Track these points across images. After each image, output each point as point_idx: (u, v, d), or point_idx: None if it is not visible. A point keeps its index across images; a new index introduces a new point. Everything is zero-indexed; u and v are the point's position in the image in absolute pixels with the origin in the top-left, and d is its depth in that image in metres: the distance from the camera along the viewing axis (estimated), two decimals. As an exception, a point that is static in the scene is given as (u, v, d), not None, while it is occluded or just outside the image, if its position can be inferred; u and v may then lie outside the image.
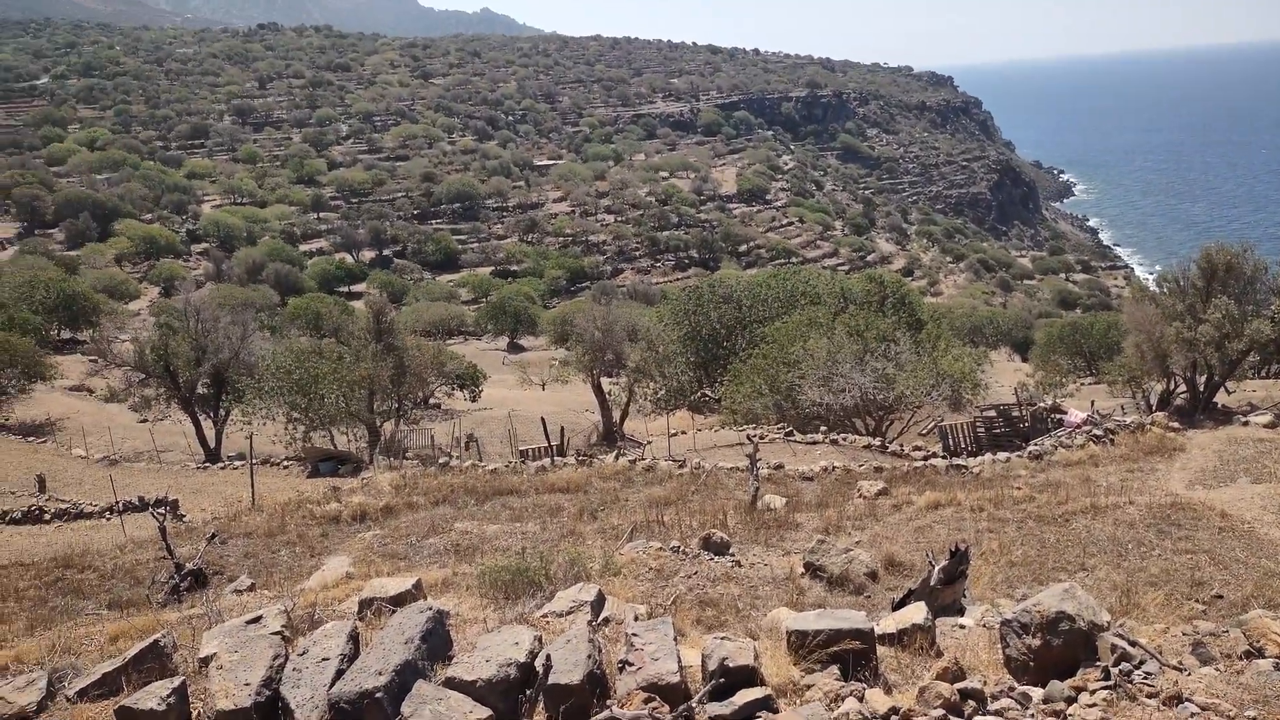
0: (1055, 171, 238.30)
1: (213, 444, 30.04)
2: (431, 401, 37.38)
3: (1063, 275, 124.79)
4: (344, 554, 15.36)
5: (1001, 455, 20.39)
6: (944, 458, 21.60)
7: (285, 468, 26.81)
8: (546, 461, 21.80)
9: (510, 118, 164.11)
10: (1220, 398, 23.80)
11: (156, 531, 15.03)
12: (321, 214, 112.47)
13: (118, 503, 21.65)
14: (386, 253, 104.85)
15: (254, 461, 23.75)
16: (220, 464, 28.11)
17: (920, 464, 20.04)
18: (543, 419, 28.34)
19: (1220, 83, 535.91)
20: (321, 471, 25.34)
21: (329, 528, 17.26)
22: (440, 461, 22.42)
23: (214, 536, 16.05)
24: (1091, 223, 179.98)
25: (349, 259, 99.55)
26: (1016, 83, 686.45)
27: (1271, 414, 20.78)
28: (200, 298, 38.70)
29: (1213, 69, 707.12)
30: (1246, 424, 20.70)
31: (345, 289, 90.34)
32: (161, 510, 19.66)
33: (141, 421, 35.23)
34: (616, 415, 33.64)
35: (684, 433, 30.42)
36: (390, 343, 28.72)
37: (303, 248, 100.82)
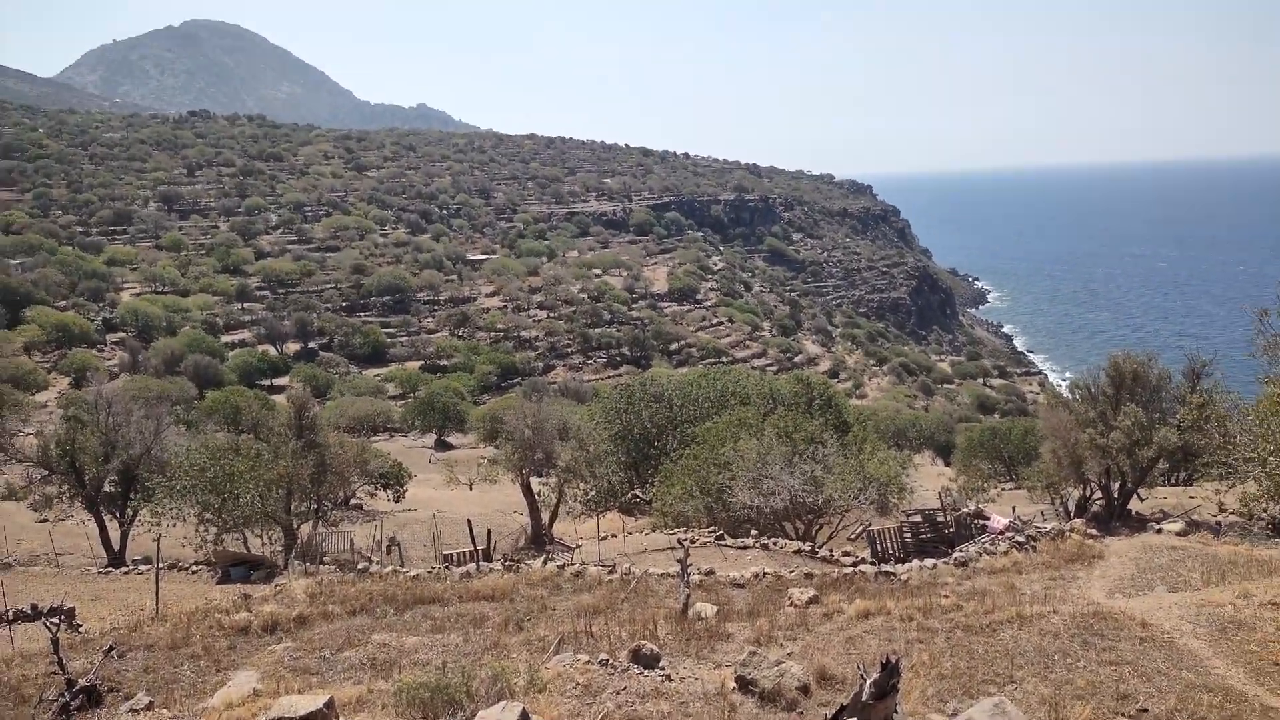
0: (971, 279, 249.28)
1: (117, 546, 28.40)
2: (353, 502, 36.20)
3: (981, 380, 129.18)
4: (252, 668, 14.51)
5: (929, 562, 20.52)
6: (873, 564, 21.64)
7: (194, 573, 25.42)
8: (472, 567, 21.13)
9: (444, 211, 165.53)
10: (1134, 505, 24.53)
11: (49, 643, 13.99)
12: (246, 304, 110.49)
13: (7, 611, 20.14)
14: (312, 345, 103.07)
15: (160, 566, 22.47)
16: (124, 568, 26.52)
17: (850, 570, 20.02)
18: (469, 521, 27.58)
19: (1123, 199, 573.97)
20: (232, 577, 24.09)
21: (237, 639, 16.29)
22: (359, 567, 21.54)
23: (111, 649, 15.00)
24: (1006, 329, 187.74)
25: (273, 351, 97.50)
26: (933, 193, 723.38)
27: (1183, 522, 21.47)
28: (113, 389, 37.22)
29: (1116, 185, 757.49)
30: (1160, 531, 21.32)
31: (267, 382, 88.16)
32: (55, 620, 18.29)
33: (41, 521, 33.24)
34: (546, 517, 33.03)
35: (614, 536, 29.96)
36: (312, 439, 27.88)
37: (225, 339, 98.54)
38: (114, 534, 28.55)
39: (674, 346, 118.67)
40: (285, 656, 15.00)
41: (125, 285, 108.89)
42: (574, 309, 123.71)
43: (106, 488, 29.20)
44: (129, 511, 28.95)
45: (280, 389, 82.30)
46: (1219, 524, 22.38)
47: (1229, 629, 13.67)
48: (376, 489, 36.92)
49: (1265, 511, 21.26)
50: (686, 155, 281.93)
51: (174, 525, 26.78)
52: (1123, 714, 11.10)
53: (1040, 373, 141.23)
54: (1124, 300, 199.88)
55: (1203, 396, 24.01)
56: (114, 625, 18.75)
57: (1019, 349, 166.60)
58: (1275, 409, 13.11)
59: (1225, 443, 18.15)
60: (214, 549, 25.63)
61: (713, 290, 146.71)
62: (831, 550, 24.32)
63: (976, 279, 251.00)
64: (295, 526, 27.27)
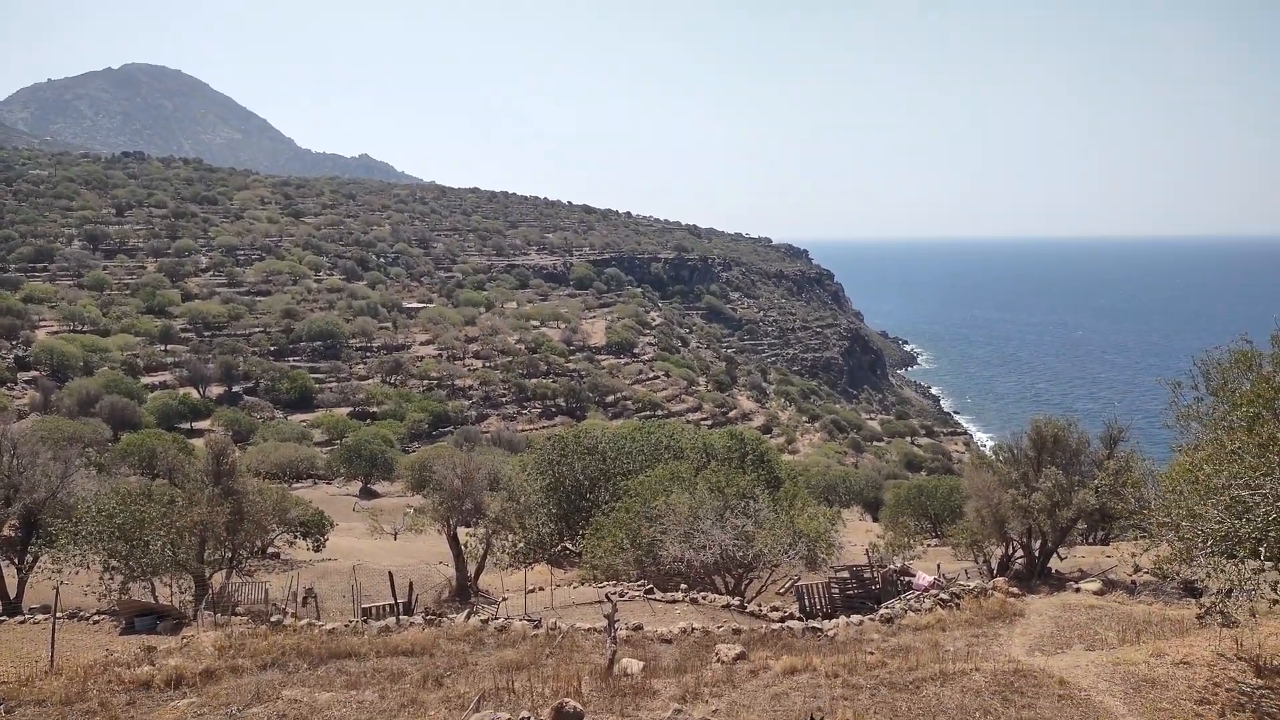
0: (900, 341, 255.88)
1: (13, 594, 26.78)
2: (270, 551, 34.93)
3: (909, 439, 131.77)
4: (151, 726, 13.73)
5: (855, 618, 20.56)
6: (800, 619, 21.60)
7: (95, 623, 24.04)
8: (391, 621, 20.45)
9: (382, 260, 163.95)
10: (1054, 563, 25.03)
11: (-76, 701, 13.02)
12: (169, 345, 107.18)
13: (-118, 664, 18.74)
14: (237, 389, 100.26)
15: (59, 615, 21.24)
16: (20, 617, 24.95)
17: (778, 626, 19.93)
18: (390, 573, 26.83)
19: (1047, 270, 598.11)
20: (137, 628, 22.86)
21: (138, 694, 15.40)
22: (273, 619, 20.68)
23: (-3, 705, 14.03)
24: (933, 390, 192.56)
25: (195, 394, 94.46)
26: (866, 258, 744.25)
27: (1100, 581, 21.95)
28: (20, 429, 35.41)
29: (1040, 258, 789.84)
30: (1078, 590, 21.76)
31: (188, 426, 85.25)
32: (-65, 674, 17.11)
33: (-72, 567, 31.17)
34: (472, 569, 32.28)
35: (542, 588, 29.38)
36: (229, 486, 26.90)
37: (145, 380, 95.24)
38: (10, 581, 26.94)
39: (610, 399, 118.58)
40: (189, 713, 14.23)
41: (42, 323, 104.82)
42: (510, 359, 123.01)
43: (6, 531, 27.64)
44: (29, 558, 27.39)
45: (201, 433, 79.62)
46: (1134, 584, 22.94)
47: (1143, 687, 13.93)
48: (296, 538, 35.69)
49: (1178, 574, 21.88)
50: (628, 214, 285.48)
51: (76, 573, 25.41)
52: (1041, 771, 11.15)
53: (965, 433, 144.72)
54: (1044, 365, 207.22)
55: (1119, 462, 24.81)
56: (3, 679, 17.58)
57: (945, 409, 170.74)
58: (1186, 476, 13.55)
59: (1140, 507, 18.69)
60: (119, 598, 24.35)
61: (650, 345, 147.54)
62: (760, 605, 24.22)
63: (906, 342, 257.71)
64: (207, 576, 26.14)
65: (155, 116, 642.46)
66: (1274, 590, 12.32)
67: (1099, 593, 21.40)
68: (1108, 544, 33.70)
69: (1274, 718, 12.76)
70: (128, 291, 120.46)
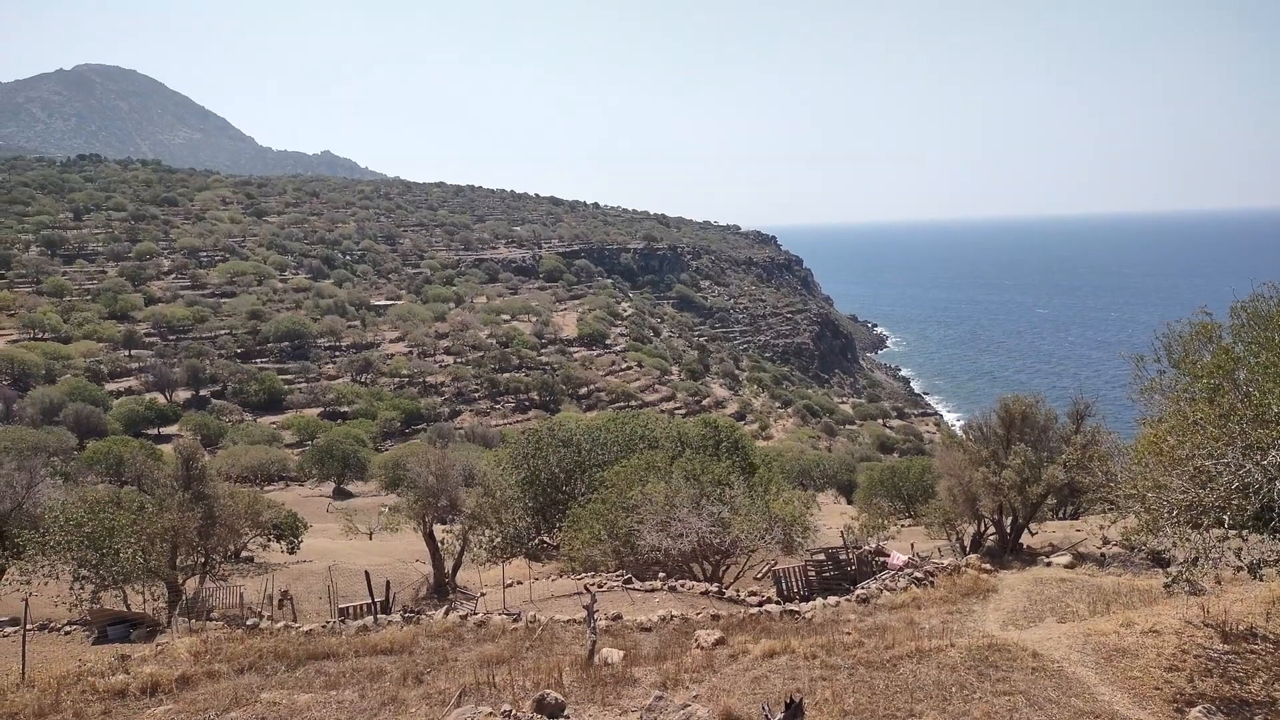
0: (870, 325, 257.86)
1: (-21, 608, 26.31)
2: (244, 554, 34.56)
3: (880, 421, 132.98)
4: (128, 735, 13.58)
5: (832, 599, 20.77)
6: (778, 603, 21.78)
7: (67, 633, 23.67)
8: (369, 620, 20.35)
9: (348, 257, 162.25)
10: (1025, 539, 25.43)
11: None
12: (134, 351, 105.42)
13: None
14: (204, 393, 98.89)
15: (29, 627, 20.90)
16: (-14, 631, 24.52)
17: (756, 610, 20.08)
18: (366, 573, 26.66)
19: (1010, 251, 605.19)
20: (110, 637, 22.54)
21: (113, 703, 15.20)
22: (249, 622, 20.49)
23: (-34, 721, 13.79)
24: (904, 372, 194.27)
25: (161, 399, 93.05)
26: (834, 243, 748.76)
27: (1070, 555, 22.34)
28: (-20, 441, 34.78)
29: (1004, 238, 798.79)
30: (1049, 565, 22.14)
31: (155, 431, 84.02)
32: (-98, 691, 16.77)
33: (-108, 583, 30.50)
34: (449, 565, 32.16)
35: (520, 582, 29.39)
36: (200, 490, 26.56)
37: (109, 387, 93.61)
38: (-23, 595, 26.45)
39: (583, 391, 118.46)
40: (165, 720, 14.07)
41: (1, 331, 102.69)
42: (482, 354, 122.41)
43: (-30, 545, 27.13)
44: (-5, 570, 26.92)
45: (168, 438, 78.53)
46: (1103, 556, 23.40)
47: (1114, 657, 14.20)
48: (269, 541, 35.34)
49: (1145, 544, 22.32)
50: (596, 205, 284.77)
51: (46, 583, 25.00)
52: (1017, 742, 11.36)
53: (936, 413, 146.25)
54: (1010, 344, 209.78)
55: (1086, 436, 25.23)
56: (-28, 694, 17.28)
57: (916, 391, 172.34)
58: (1152, 449, 13.81)
59: (1107, 480, 19.02)
60: (90, 608, 24.00)
61: (622, 335, 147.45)
62: (738, 590, 24.39)
63: (875, 325, 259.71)
64: (180, 582, 25.83)
65: (110, 118, 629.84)
66: (1238, 558, 12.60)
67: (1069, 566, 21.79)
68: (1077, 518, 34.31)
69: (1240, 682, 13.08)
70: (89, 297, 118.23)
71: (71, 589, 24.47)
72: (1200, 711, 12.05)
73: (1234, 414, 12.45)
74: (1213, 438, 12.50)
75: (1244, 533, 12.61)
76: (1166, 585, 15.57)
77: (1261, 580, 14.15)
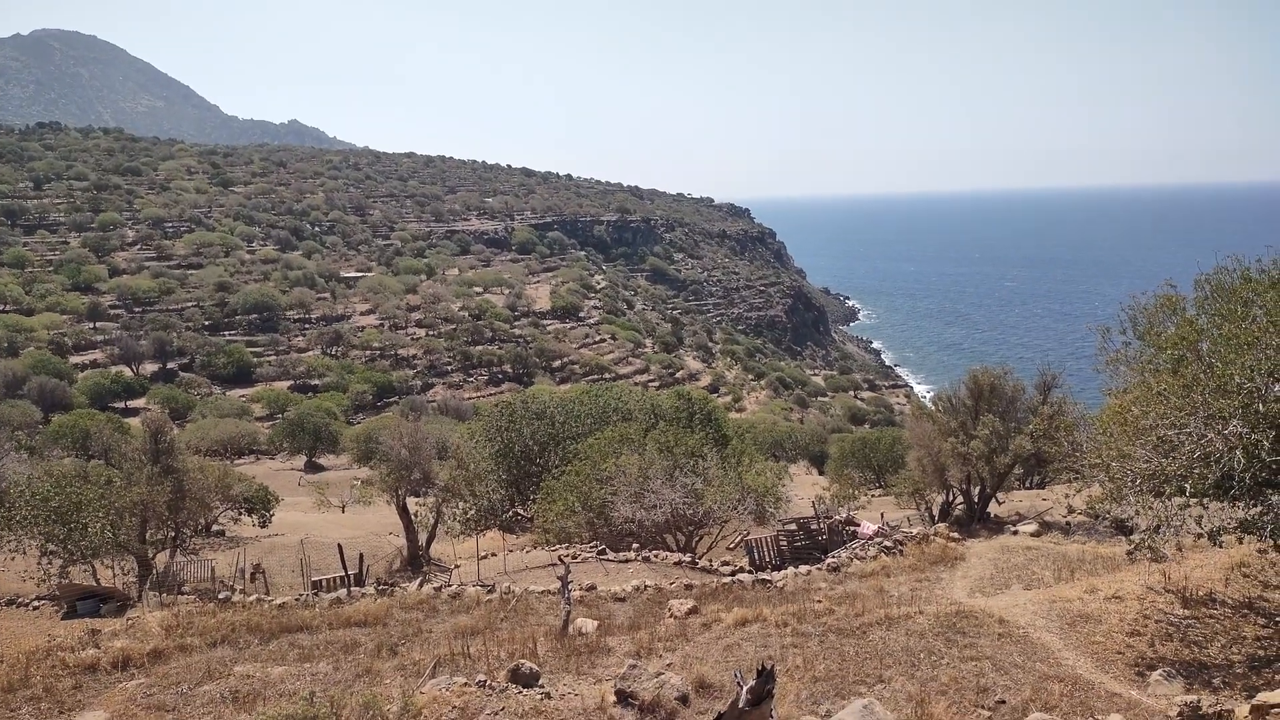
0: (842, 298, 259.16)
1: (-56, 584, 25.93)
2: (215, 528, 34.31)
3: (852, 393, 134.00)
4: (100, 708, 13.56)
5: (803, 568, 21.03)
6: (750, 572, 22.01)
7: (35, 609, 23.40)
8: (343, 592, 20.33)
9: (316, 229, 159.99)
10: (993, 508, 25.85)
11: None
12: (98, 323, 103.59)
13: None
14: (171, 365, 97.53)
15: (-6, 603, 20.67)
16: (-48, 607, 24.20)
17: (728, 579, 20.29)
18: (339, 545, 26.61)
19: (977, 224, 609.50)
20: (80, 612, 22.32)
21: (84, 678, 15.12)
22: (220, 596, 20.40)
23: (-67, 698, 13.65)
24: (875, 345, 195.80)
25: (128, 372, 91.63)
26: (806, 216, 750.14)
27: (1036, 524, 22.75)
28: (-59, 415, 34.11)
29: (971, 211, 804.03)
30: (1016, 533, 22.53)
31: (122, 405, 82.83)
32: None
33: None
34: (423, 538, 32.14)
35: (495, 554, 29.41)
36: (169, 464, 26.29)
37: (74, 359, 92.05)
38: (-58, 571, 26.06)
39: (557, 364, 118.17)
40: (138, 694, 14.03)
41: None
42: (454, 327, 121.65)
43: (-66, 521, 26.67)
44: (-41, 546, 26.51)
45: (135, 412, 77.45)
46: (1069, 524, 23.85)
47: (1077, 622, 14.54)
48: (240, 514, 35.11)
49: (1109, 513, 22.80)
50: (569, 176, 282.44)
51: (12, 558, 24.71)
52: (982, 706, 11.62)
53: (906, 385, 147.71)
54: (978, 316, 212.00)
55: (1053, 407, 25.61)
56: (-61, 670, 17.09)
57: (887, 363, 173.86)
58: (1116, 419, 14.06)
59: (1073, 450, 19.34)
60: (59, 583, 23.75)
61: (596, 308, 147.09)
62: (711, 560, 24.62)
63: (847, 298, 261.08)
64: (151, 556, 25.62)
65: (70, 85, 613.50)
66: (1199, 525, 12.90)
67: (1035, 534, 22.19)
68: (1043, 488, 34.91)
69: (1200, 646, 13.44)
70: (51, 268, 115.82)
71: (39, 564, 24.21)
72: (1161, 674, 12.38)
73: (1197, 385, 12.69)
74: (1176, 408, 12.74)
75: (1205, 501, 12.90)
76: (1129, 552, 15.92)
77: (1221, 547, 14.50)
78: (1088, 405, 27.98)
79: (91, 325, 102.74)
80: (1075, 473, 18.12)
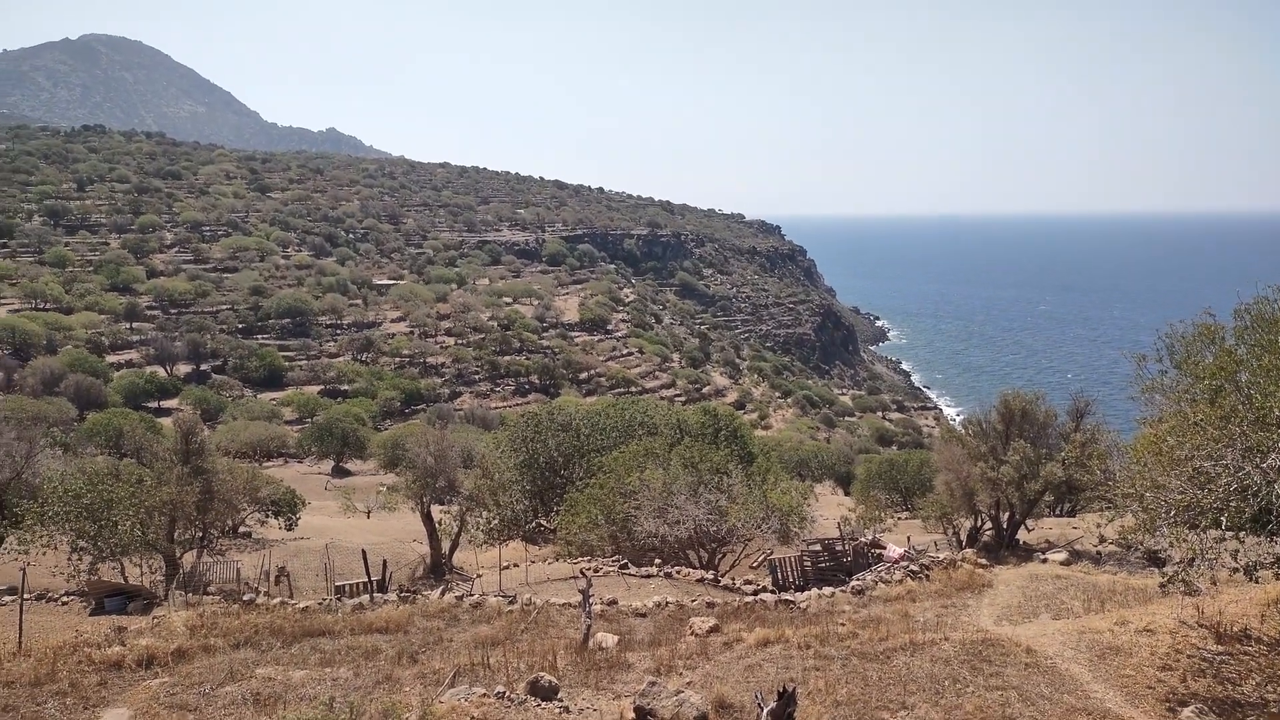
0: (871, 317, 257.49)
1: (-23, 576, 26.39)
2: (241, 530, 34.64)
3: (880, 414, 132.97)
4: (124, 706, 13.66)
5: (827, 590, 20.82)
6: (773, 592, 21.83)
7: (64, 604, 23.77)
8: (365, 598, 20.41)
9: (351, 235, 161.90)
10: (1022, 535, 25.46)
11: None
12: (135, 324, 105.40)
13: None
14: (205, 367, 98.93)
15: (26, 596, 20.97)
16: (-16, 600, 24.61)
17: (751, 599, 20.14)
18: (363, 551, 26.72)
19: (1015, 246, 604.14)
20: (107, 609, 22.63)
21: (109, 675, 15.28)
22: (245, 598, 20.56)
23: (-37, 688, 13.85)
24: (904, 365, 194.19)
25: (162, 373, 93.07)
26: (838, 235, 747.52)
27: (1066, 552, 22.37)
28: (-19, 409, 34.84)
29: (1008, 235, 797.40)
30: (1045, 561, 22.16)
31: (155, 405, 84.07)
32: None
33: (-110, 549, 30.58)
34: (446, 546, 32.25)
35: (517, 565, 29.46)
36: (199, 465, 26.59)
37: (110, 359, 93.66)
38: (-25, 564, 26.53)
39: (583, 376, 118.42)
40: (161, 693, 14.14)
41: (3, 300, 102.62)
42: (483, 336, 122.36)
43: (-31, 513, 27.22)
44: (-7, 539, 26.97)
45: (168, 412, 78.60)
46: (1099, 554, 23.42)
47: (1107, 655, 14.24)
48: (267, 517, 35.43)
49: (1141, 544, 22.40)
50: (601, 190, 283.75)
51: (44, 553, 25.09)
52: (1008, 737, 11.40)
53: (935, 407, 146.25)
54: (1012, 341, 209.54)
55: (1086, 434, 25.23)
56: (-30, 662, 17.35)
57: (916, 384, 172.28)
58: (1151, 448, 13.80)
59: (1105, 479, 19.03)
60: (88, 579, 24.08)
61: (624, 321, 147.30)
62: (734, 579, 24.45)
63: (877, 318, 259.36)
64: (178, 555, 25.90)
65: (115, 89, 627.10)
66: (1234, 559, 12.60)
67: (1065, 563, 21.81)
68: (1074, 515, 34.33)
69: (1233, 683, 13.11)
70: (91, 268, 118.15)
71: (69, 560, 24.57)
72: (1193, 711, 12.09)
73: (1235, 416, 12.43)
74: (1213, 439, 12.49)
75: (1241, 534, 12.62)
76: (1162, 585, 15.58)
77: (1257, 582, 14.16)
78: (1121, 434, 27.53)
79: (128, 325, 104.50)
80: (1108, 502, 17.81)
